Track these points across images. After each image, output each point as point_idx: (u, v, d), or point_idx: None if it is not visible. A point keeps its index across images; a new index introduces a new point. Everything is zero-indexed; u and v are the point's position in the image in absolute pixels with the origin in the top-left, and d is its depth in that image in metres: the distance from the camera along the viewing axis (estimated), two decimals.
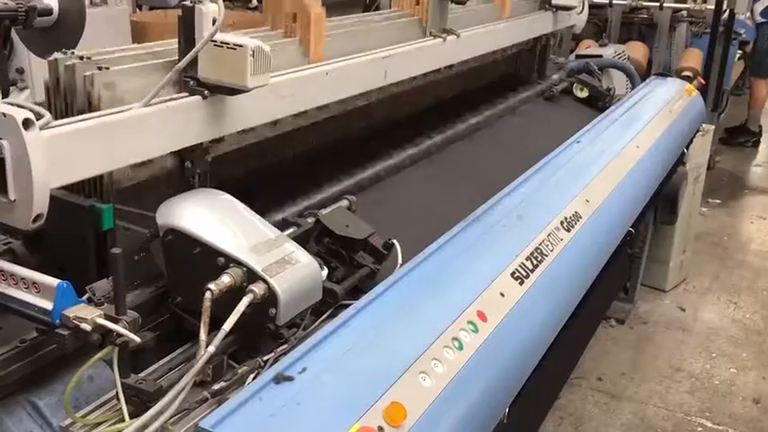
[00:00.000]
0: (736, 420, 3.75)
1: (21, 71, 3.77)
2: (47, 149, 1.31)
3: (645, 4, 6.20)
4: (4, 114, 1.27)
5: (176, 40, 1.74)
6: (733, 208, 6.44)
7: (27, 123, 1.27)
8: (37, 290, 1.33)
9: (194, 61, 1.67)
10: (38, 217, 1.32)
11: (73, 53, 1.63)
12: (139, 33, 4.55)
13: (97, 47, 1.83)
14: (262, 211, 1.81)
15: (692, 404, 3.85)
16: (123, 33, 4.45)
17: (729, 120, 8.02)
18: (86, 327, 1.28)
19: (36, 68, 3.67)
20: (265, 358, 1.51)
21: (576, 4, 4.04)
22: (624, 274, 4.43)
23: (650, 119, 3.34)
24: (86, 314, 1.29)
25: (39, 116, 1.35)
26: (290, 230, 1.80)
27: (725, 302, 4.88)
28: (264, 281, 1.49)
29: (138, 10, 5.51)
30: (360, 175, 2.43)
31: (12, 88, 3.40)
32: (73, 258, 1.64)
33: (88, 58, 1.65)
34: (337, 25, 2.46)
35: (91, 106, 1.60)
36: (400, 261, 1.88)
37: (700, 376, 4.08)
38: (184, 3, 1.66)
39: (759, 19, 7.52)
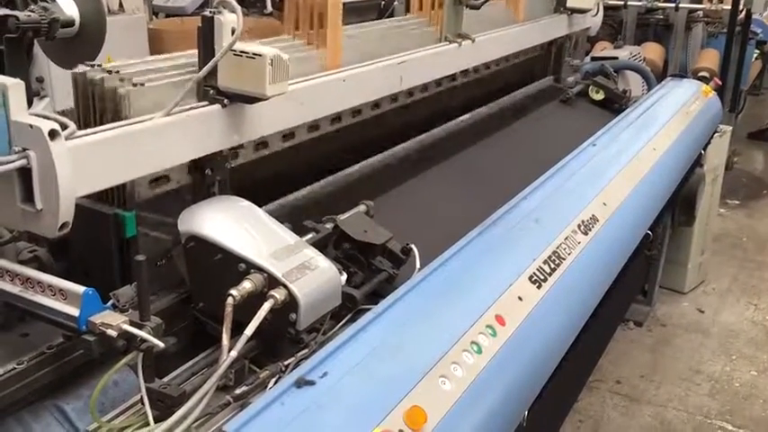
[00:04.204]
0: (757, 423, 3.72)
1: (41, 80, 3.82)
2: (72, 159, 1.34)
3: (660, 5, 6.16)
4: (31, 126, 1.29)
5: (194, 48, 1.76)
6: (752, 209, 6.40)
7: (53, 134, 1.30)
8: (63, 297, 1.36)
9: (214, 71, 1.69)
10: (63, 225, 1.35)
11: (99, 66, 1.66)
12: (156, 41, 4.58)
13: (115, 55, 1.86)
14: (280, 216, 1.83)
15: (711, 407, 3.82)
16: (140, 41, 4.49)
17: (751, 120, 7.97)
18: (112, 333, 1.30)
19: (56, 77, 3.71)
20: (286, 363, 1.53)
21: (590, 6, 4.04)
22: (642, 276, 4.41)
23: (667, 120, 3.33)
24: (112, 320, 1.32)
25: (64, 126, 1.38)
26: (309, 236, 1.82)
27: (744, 304, 4.84)
28: (285, 286, 1.51)
29: (154, 17, 5.55)
30: (377, 179, 2.44)
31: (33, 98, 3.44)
32: (97, 265, 1.67)
33: (110, 70, 1.68)
34: (353, 32, 2.48)
35: (114, 116, 1.63)
36: (418, 266, 1.89)
37: (720, 379, 4.05)
38: (204, 13, 1.69)
39: None
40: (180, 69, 1.81)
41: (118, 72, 1.67)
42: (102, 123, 1.61)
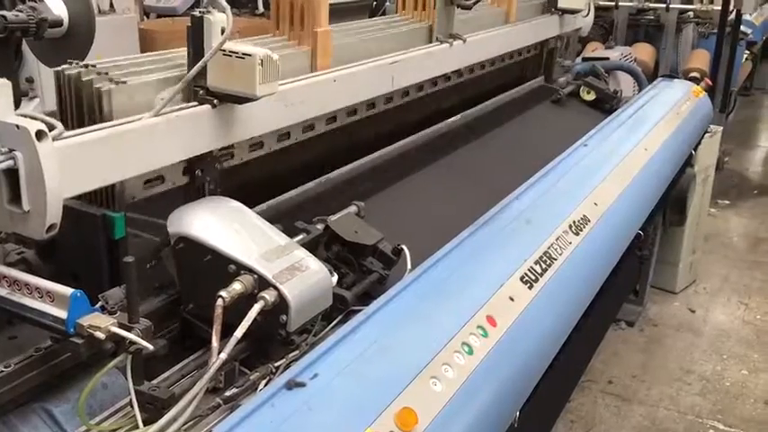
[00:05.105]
0: (747, 422, 3.73)
1: (30, 80, 3.80)
2: (59, 160, 1.33)
3: (651, 5, 6.19)
4: (18, 126, 1.29)
5: (184, 48, 1.76)
6: (742, 208, 6.42)
7: (40, 135, 1.29)
8: (51, 299, 1.34)
9: (204, 71, 1.68)
10: (51, 227, 1.34)
11: (86, 65, 1.65)
12: (147, 41, 4.57)
13: (105, 55, 1.85)
14: (270, 218, 1.82)
15: (703, 406, 3.84)
16: (131, 41, 4.48)
17: (742, 121, 8.01)
18: (100, 335, 1.29)
19: (45, 78, 3.69)
20: (277, 364, 1.52)
21: (582, 7, 4.04)
22: (634, 276, 4.42)
23: (658, 121, 3.33)
24: (100, 323, 1.31)
25: (51, 127, 1.37)
26: (300, 237, 1.81)
27: (735, 304, 4.86)
28: (275, 288, 1.50)
29: (145, 18, 5.53)
30: (368, 180, 2.44)
31: (22, 98, 3.42)
32: (85, 267, 1.66)
33: (96, 67, 1.67)
34: (344, 31, 2.47)
35: (101, 116, 1.62)
36: (409, 266, 1.89)
37: (711, 378, 4.07)
38: (193, 13, 1.68)
39: None
40: (169, 68, 1.80)
41: (106, 74, 1.65)
42: (85, 122, 1.59)
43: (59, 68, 1.65)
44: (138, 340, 1.32)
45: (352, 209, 2.03)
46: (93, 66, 1.67)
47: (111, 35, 4.04)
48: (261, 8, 5.81)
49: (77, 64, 1.65)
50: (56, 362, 1.41)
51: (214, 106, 1.73)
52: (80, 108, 1.62)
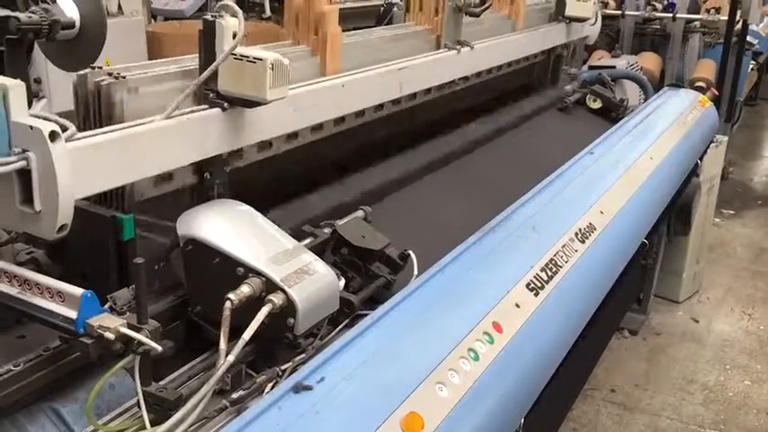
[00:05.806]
0: None
1: (38, 81, 3.81)
2: (72, 161, 1.34)
3: (658, 15, 6.20)
4: (31, 127, 1.29)
5: (192, 51, 1.77)
6: (747, 218, 6.42)
7: (53, 136, 1.29)
8: (61, 299, 1.35)
9: (214, 74, 1.69)
10: (62, 227, 1.35)
11: (99, 68, 1.66)
12: (155, 44, 4.58)
13: (113, 57, 1.86)
14: (278, 221, 1.83)
15: (705, 416, 3.83)
16: (139, 44, 4.48)
17: (747, 131, 8.00)
18: (110, 335, 1.30)
19: (54, 79, 3.70)
20: (283, 368, 1.53)
21: (589, 15, 4.05)
22: (638, 285, 4.42)
23: (664, 130, 3.34)
24: (110, 323, 1.31)
25: (64, 128, 1.38)
26: (308, 241, 1.82)
27: (739, 314, 4.85)
28: (283, 291, 1.51)
29: (153, 20, 5.55)
30: (375, 185, 2.44)
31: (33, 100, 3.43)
32: (94, 268, 1.66)
33: (112, 73, 1.68)
34: (352, 37, 2.48)
35: (113, 119, 1.63)
36: (416, 272, 1.90)
37: (714, 388, 4.06)
38: (205, 17, 1.69)
39: None
40: (183, 73, 1.81)
41: (124, 77, 1.66)
42: (96, 124, 1.61)
43: (79, 73, 1.66)
44: (147, 341, 1.33)
45: (360, 213, 2.04)
46: (107, 69, 1.68)
47: (119, 37, 4.05)
48: (268, 12, 5.82)
49: (94, 68, 1.66)
50: (64, 361, 1.42)
51: (224, 109, 1.74)
52: (98, 113, 1.63)
